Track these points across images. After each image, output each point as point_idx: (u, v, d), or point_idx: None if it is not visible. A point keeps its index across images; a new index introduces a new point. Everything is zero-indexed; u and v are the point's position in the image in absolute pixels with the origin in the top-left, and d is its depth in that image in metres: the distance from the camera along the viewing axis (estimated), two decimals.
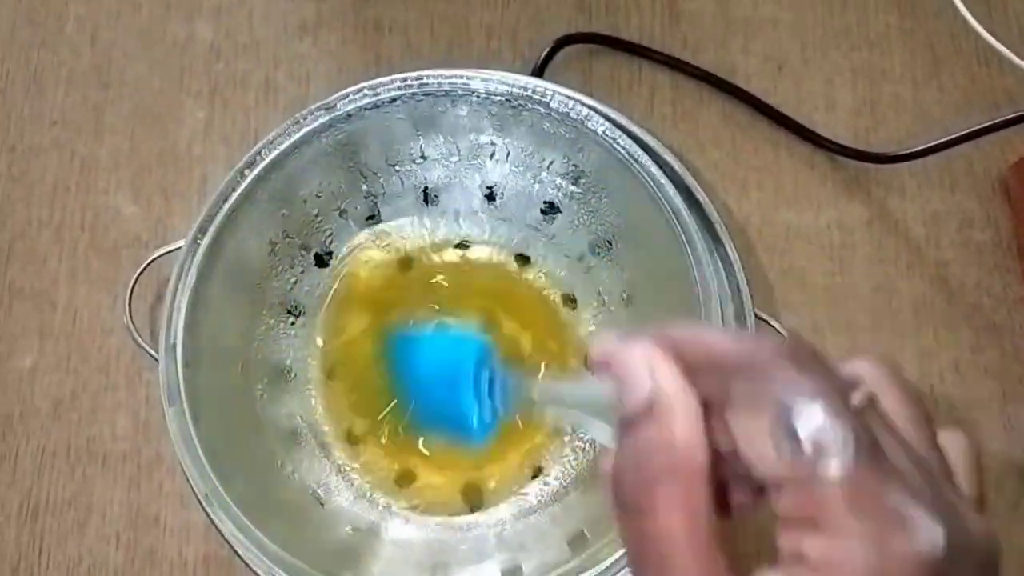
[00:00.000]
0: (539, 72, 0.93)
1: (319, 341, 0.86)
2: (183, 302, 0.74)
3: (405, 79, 0.77)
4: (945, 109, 0.96)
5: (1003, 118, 0.86)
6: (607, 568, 0.69)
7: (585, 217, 0.84)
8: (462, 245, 0.88)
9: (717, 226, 0.76)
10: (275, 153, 0.76)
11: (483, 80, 0.77)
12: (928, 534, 0.36)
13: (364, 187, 0.85)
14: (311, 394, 0.85)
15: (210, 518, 0.70)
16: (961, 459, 0.40)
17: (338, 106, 0.77)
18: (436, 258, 0.88)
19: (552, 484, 0.82)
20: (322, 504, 0.80)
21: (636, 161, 0.74)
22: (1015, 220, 0.92)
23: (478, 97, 0.77)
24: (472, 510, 0.82)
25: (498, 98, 0.77)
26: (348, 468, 0.83)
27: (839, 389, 0.38)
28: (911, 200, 0.93)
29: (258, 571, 0.70)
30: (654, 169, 0.74)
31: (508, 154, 0.83)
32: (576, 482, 0.81)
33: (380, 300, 0.87)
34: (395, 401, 0.79)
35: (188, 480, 0.71)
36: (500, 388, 0.59)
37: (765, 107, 0.94)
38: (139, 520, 0.86)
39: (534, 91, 0.76)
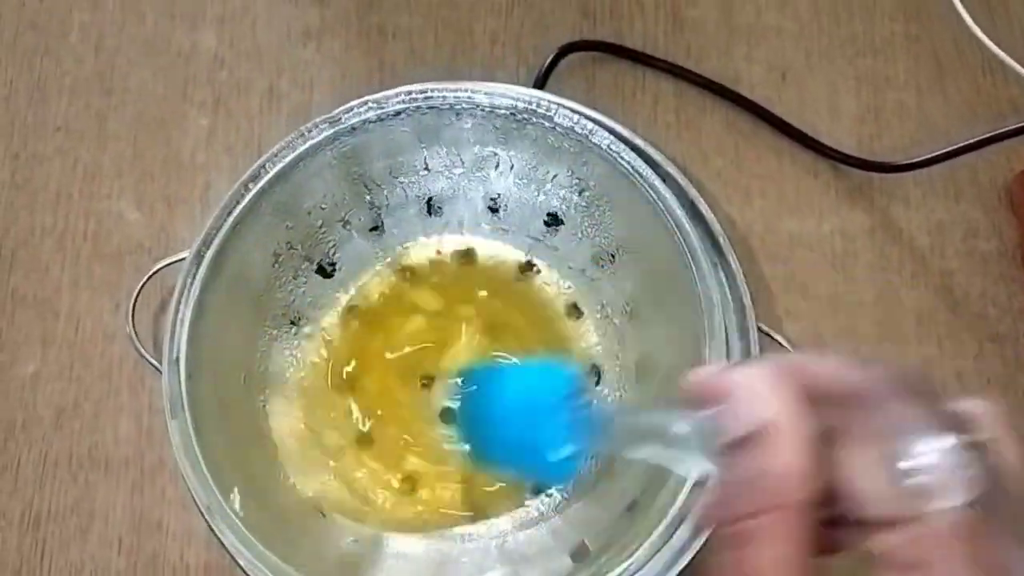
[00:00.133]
0: (543, 79, 0.92)
1: (323, 352, 0.86)
2: (186, 315, 0.74)
3: (410, 92, 0.77)
4: (950, 118, 0.95)
5: (1008, 128, 0.86)
6: None
7: (589, 229, 0.84)
8: (466, 256, 0.88)
9: (720, 239, 0.76)
10: (279, 166, 0.76)
11: (487, 94, 0.77)
12: None
13: (368, 198, 0.85)
14: (313, 406, 0.85)
15: (212, 529, 0.70)
16: None
17: (343, 119, 0.77)
18: (438, 269, 0.88)
19: (554, 495, 0.82)
20: (324, 515, 0.80)
21: (640, 175, 0.74)
22: (1020, 230, 0.92)
23: (482, 111, 0.77)
24: (474, 521, 0.82)
25: (502, 112, 0.77)
26: (350, 480, 0.83)
27: (955, 425, 0.37)
28: (915, 209, 0.93)
29: None
30: (657, 183, 0.74)
31: (512, 166, 0.83)
32: (578, 494, 0.81)
33: (382, 311, 0.87)
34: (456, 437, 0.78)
35: (190, 491, 0.71)
36: (585, 422, 0.57)
37: (768, 115, 0.94)
38: (141, 525, 0.86)
39: (538, 105, 0.76)
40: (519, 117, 0.77)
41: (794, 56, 0.97)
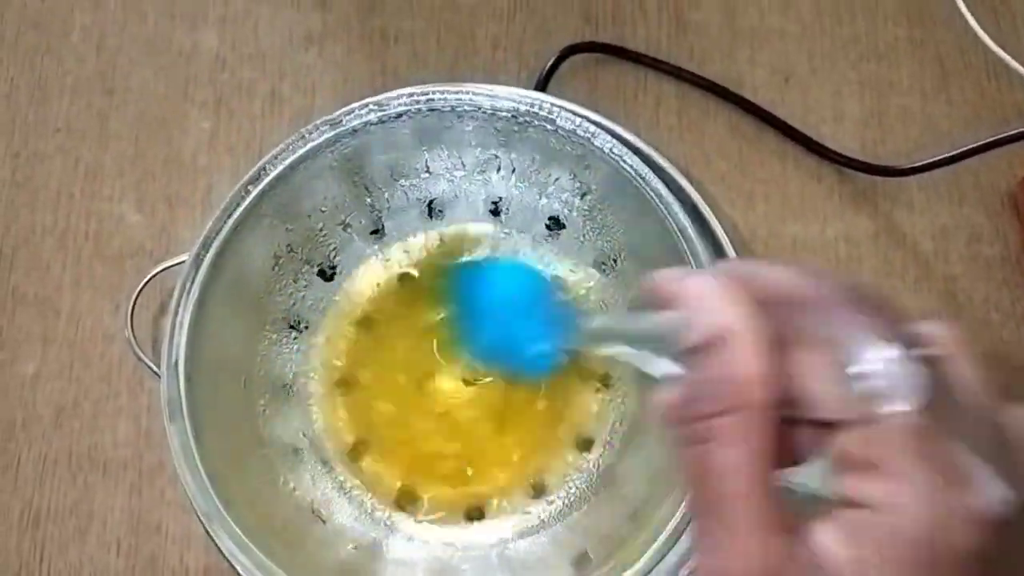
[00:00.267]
0: (544, 81, 0.92)
1: (323, 356, 0.86)
2: (185, 318, 0.73)
3: (411, 95, 0.77)
4: (954, 122, 0.95)
5: (1012, 132, 0.85)
6: None
7: (591, 233, 0.84)
8: (466, 260, 0.88)
9: (723, 243, 0.76)
10: (280, 168, 0.76)
11: (489, 96, 0.77)
12: (994, 493, 0.36)
13: (368, 201, 0.84)
14: (313, 410, 0.85)
15: (210, 535, 0.70)
16: None
17: (343, 121, 0.77)
18: (439, 272, 0.87)
19: (556, 503, 0.82)
20: (324, 521, 0.80)
21: (642, 179, 0.74)
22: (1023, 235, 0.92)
23: (484, 113, 0.77)
24: (474, 527, 0.82)
25: (504, 114, 0.77)
26: (350, 485, 0.83)
27: (909, 334, 0.38)
28: (919, 214, 0.93)
29: None
30: (660, 187, 0.74)
31: (514, 169, 0.83)
32: (580, 502, 0.81)
33: (383, 315, 0.87)
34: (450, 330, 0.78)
35: (188, 496, 0.70)
36: (559, 320, 0.58)
37: (772, 119, 0.94)
38: (140, 527, 0.86)
39: (540, 108, 0.76)
40: (520, 120, 0.76)
41: (797, 59, 0.97)
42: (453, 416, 0.84)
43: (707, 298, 0.40)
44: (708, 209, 0.76)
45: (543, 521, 0.81)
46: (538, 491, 0.82)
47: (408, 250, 0.88)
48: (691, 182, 0.77)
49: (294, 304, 0.84)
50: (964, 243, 0.92)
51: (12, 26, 0.98)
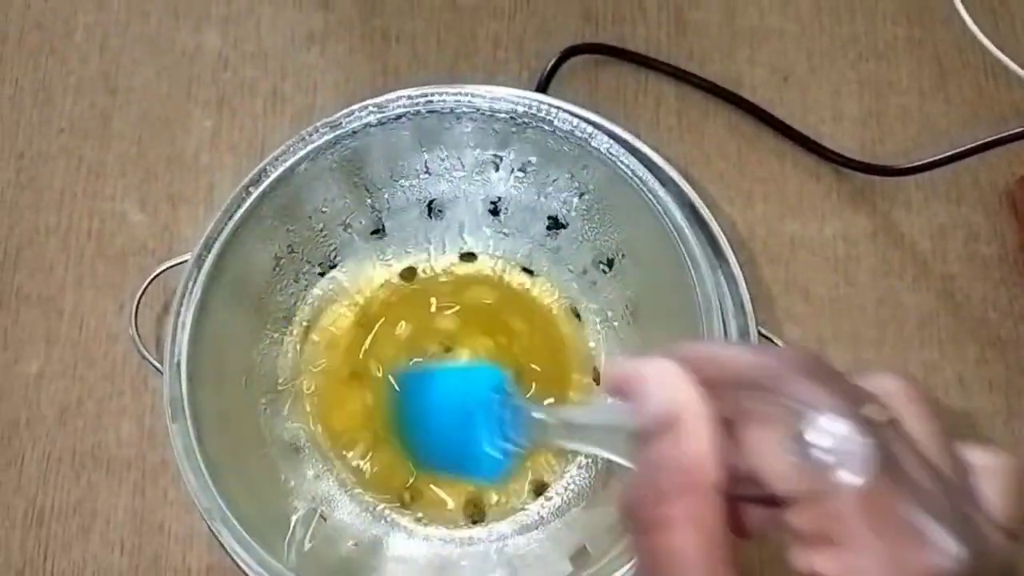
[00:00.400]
0: (545, 83, 0.93)
1: (325, 356, 0.86)
2: (188, 318, 0.74)
3: (411, 96, 0.77)
4: (952, 122, 0.96)
5: (1010, 132, 0.86)
6: None
7: (589, 233, 0.84)
8: (466, 259, 0.88)
9: (720, 241, 0.76)
10: (280, 170, 0.76)
11: (487, 98, 0.77)
12: (945, 550, 0.36)
13: (369, 202, 0.85)
14: (314, 409, 0.85)
15: (213, 532, 0.70)
16: (998, 477, 0.40)
17: (343, 123, 0.77)
18: (440, 271, 0.88)
19: (554, 500, 0.82)
20: (324, 518, 0.80)
21: (640, 179, 0.74)
22: (1021, 234, 0.92)
23: (483, 114, 0.77)
24: (474, 525, 0.82)
25: (502, 115, 0.77)
26: (351, 483, 0.83)
27: (856, 402, 0.38)
28: (917, 213, 0.93)
29: None
30: (658, 187, 0.74)
31: (512, 170, 0.83)
32: (578, 498, 0.82)
33: (383, 315, 0.87)
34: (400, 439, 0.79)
35: (191, 494, 0.71)
36: (513, 420, 0.58)
37: (771, 118, 0.94)
38: (143, 527, 0.86)
39: (538, 109, 0.76)
40: (519, 121, 0.77)
41: (796, 59, 0.97)
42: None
43: (657, 383, 0.41)
44: (706, 209, 0.76)
45: (542, 518, 0.82)
46: (537, 488, 0.83)
47: (409, 250, 0.89)
48: (690, 182, 0.77)
49: (296, 303, 0.85)
50: (962, 242, 0.93)
51: (15, 26, 0.98)
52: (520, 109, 0.76)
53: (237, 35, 0.98)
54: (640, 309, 0.83)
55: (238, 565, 0.70)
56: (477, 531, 0.82)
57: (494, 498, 0.83)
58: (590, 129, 0.76)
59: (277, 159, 0.77)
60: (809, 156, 0.94)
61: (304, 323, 0.86)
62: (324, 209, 0.83)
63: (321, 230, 0.84)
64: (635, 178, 0.74)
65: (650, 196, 0.74)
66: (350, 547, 0.79)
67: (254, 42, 0.98)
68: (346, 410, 0.85)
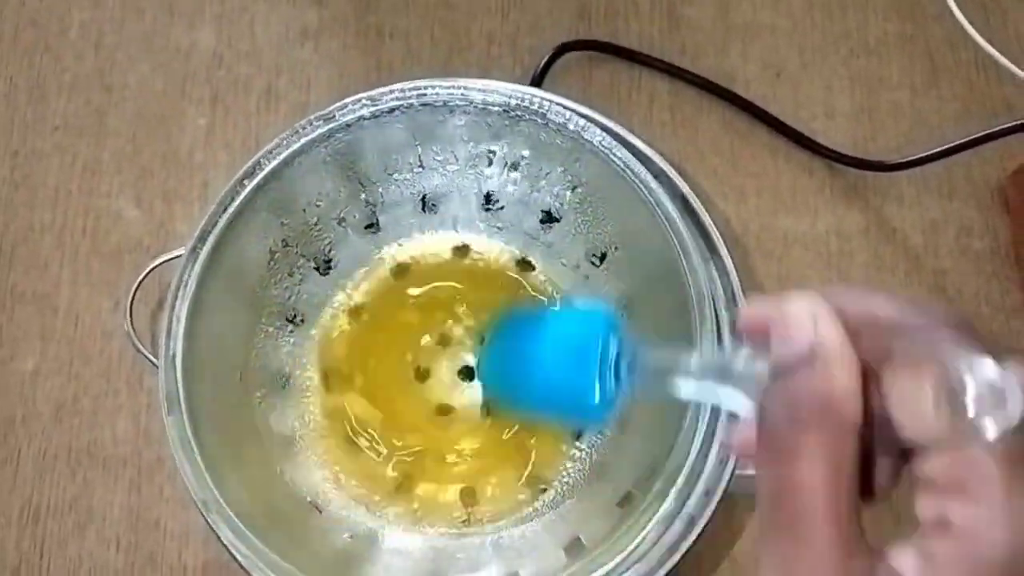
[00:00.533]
0: (539, 79, 0.93)
1: (320, 350, 0.87)
2: (183, 311, 0.74)
3: (403, 90, 0.78)
4: (943, 117, 0.96)
5: (1001, 127, 0.86)
6: (602, 574, 0.70)
7: (582, 226, 0.84)
8: (460, 252, 0.89)
9: (712, 234, 0.76)
10: (274, 163, 0.76)
11: (481, 91, 0.77)
12: None
13: (363, 196, 0.85)
14: (309, 402, 0.85)
15: (209, 525, 0.70)
16: None
17: (337, 116, 0.77)
18: (434, 266, 0.88)
19: (549, 492, 0.82)
20: (320, 511, 0.80)
21: (632, 171, 0.74)
22: (1014, 228, 0.92)
23: (476, 107, 0.77)
24: (468, 517, 0.82)
25: (495, 108, 0.77)
26: (346, 476, 0.83)
27: (1006, 361, 0.37)
28: (909, 208, 0.93)
29: None
30: (650, 179, 0.74)
31: (506, 163, 0.83)
32: (572, 490, 0.82)
33: (379, 309, 0.88)
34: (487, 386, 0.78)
35: (187, 486, 0.71)
36: (629, 363, 0.58)
37: (764, 114, 0.95)
38: (139, 524, 0.86)
39: (531, 102, 0.76)
40: (512, 114, 0.77)
41: (789, 55, 0.98)
42: (448, 407, 0.85)
43: (801, 318, 0.41)
44: (698, 202, 0.77)
45: (536, 510, 0.82)
46: (532, 480, 0.83)
47: (404, 244, 0.89)
48: (684, 177, 0.77)
49: (290, 297, 0.85)
50: (954, 237, 0.93)
51: (10, 24, 0.99)
52: (513, 102, 0.77)
53: (231, 32, 0.98)
54: (633, 303, 0.83)
55: (234, 557, 0.70)
56: (472, 524, 0.82)
57: (488, 491, 0.83)
58: (583, 122, 0.76)
59: (271, 152, 0.77)
60: (802, 152, 0.94)
61: (299, 316, 0.86)
62: (318, 203, 0.83)
63: (315, 224, 0.84)
64: (627, 171, 0.75)
65: (642, 188, 0.74)
66: (345, 539, 0.79)
67: (248, 39, 0.98)
68: (341, 403, 0.85)
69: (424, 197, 0.87)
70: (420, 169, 0.84)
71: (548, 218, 0.86)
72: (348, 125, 0.78)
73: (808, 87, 0.97)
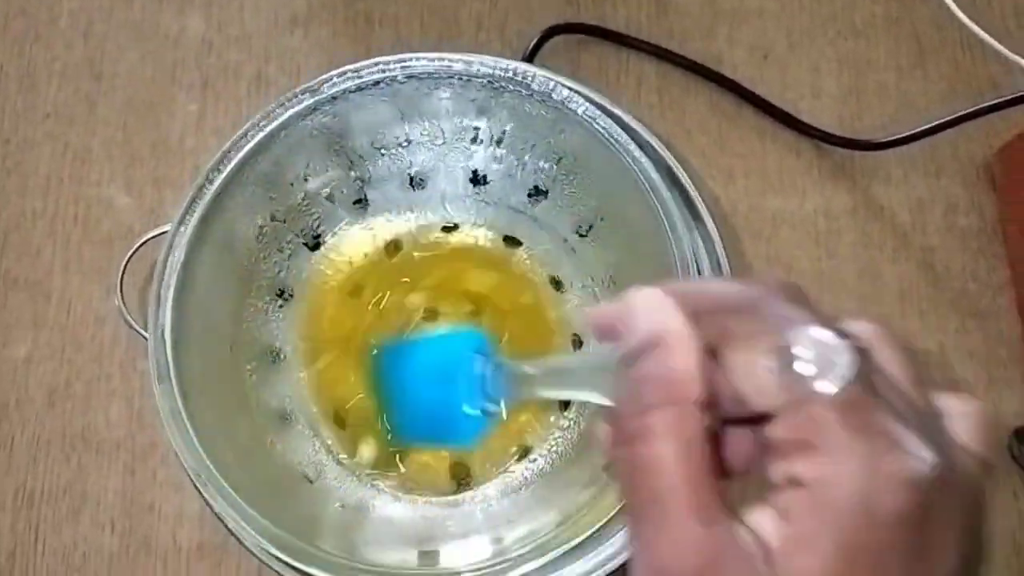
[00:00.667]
0: (527, 62, 0.93)
1: (309, 325, 0.87)
2: (171, 281, 0.75)
3: (388, 61, 0.78)
4: (930, 96, 0.96)
5: (987, 104, 0.86)
6: (590, 537, 0.70)
7: (569, 199, 0.85)
8: (449, 228, 0.89)
9: (697, 203, 0.77)
10: (260, 135, 0.77)
11: (465, 62, 0.78)
12: (918, 456, 0.36)
13: (351, 172, 0.85)
14: (300, 376, 0.86)
15: (200, 492, 0.71)
16: (970, 420, 0.41)
17: (322, 89, 0.78)
18: (423, 241, 0.89)
19: (538, 462, 0.83)
20: (311, 482, 0.81)
21: (615, 140, 0.75)
22: (1000, 205, 0.93)
23: (460, 79, 0.78)
24: (459, 488, 0.83)
25: (480, 80, 0.78)
26: (337, 448, 0.84)
27: (840, 329, 0.39)
28: (896, 186, 0.94)
29: (248, 545, 0.71)
30: (633, 147, 0.75)
31: (492, 136, 0.84)
32: (561, 458, 0.82)
33: (367, 285, 0.88)
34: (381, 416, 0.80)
35: (178, 456, 0.71)
36: (495, 378, 0.59)
37: (751, 95, 0.95)
38: (133, 508, 0.87)
39: (515, 72, 0.77)
40: (496, 85, 0.78)
41: (776, 37, 0.98)
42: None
43: (643, 309, 0.42)
44: (682, 171, 0.77)
45: (526, 479, 0.82)
46: (521, 451, 0.83)
47: (392, 220, 0.89)
48: (673, 154, 0.78)
49: (280, 272, 0.85)
50: (941, 214, 0.93)
51: (0, 14, 0.99)
52: (497, 73, 0.77)
53: (221, 19, 0.99)
54: (619, 274, 0.84)
55: (226, 525, 0.71)
56: (462, 493, 0.83)
57: (478, 462, 0.83)
58: (566, 92, 0.77)
59: (257, 124, 0.78)
60: (789, 132, 0.95)
61: (289, 292, 0.86)
62: (306, 177, 0.84)
63: (303, 199, 0.85)
64: (611, 140, 0.75)
65: (626, 157, 0.75)
66: (337, 508, 0.80)
67: (238, 25, 0.99)
68: (331, 377, 0.86)
69: (412, 173, 0.87)
70: (407, 144, 0.85)
71: (536, 192, 0.86)
72: (334, 98, 0.78)
73: (795, 69, 0.97)
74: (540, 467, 0.82)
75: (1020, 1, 0.98)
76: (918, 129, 0.89)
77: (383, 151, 0.85)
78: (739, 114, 0.96)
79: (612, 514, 0.70)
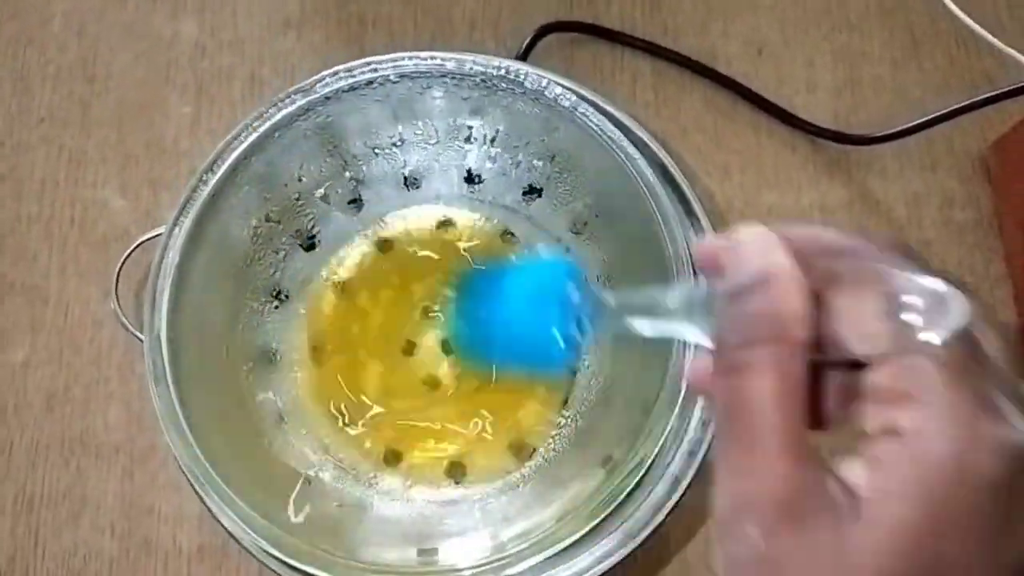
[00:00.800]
0: (521, 61, 0.93)
1: (306, 325, 0.87)
2: (167, 283, 0.74)
3: (380, 61, 0.78)
4: (925, 90, 0.96)
5: (981, 97, 0.86)
6: (587, 534, 0.70)
7: (563, 197, 0.85)
8: (444, 227, 0.89)
9: (690, 198, 0.77)
10: (254, 136, 0.77)
11: (457, 61, 0.78)
12: (1017, 427, 0.37)
13: (346, 172, 0.86)
14: (296, 377, 0.86)
15: (197, 493, 0.71)
16: None
17: (315, 89, 0.78)
18: (418, 241, 0.89)
19: (535, 459, 0.83)
20: (309, 482, 0.81)
21: (608, 136, 0.75)
22: (996, 198, 0.93)
23: (452, 79, 0.78)
24: (457, 486, 0.83)
25: (472, 79, 0.78)
26: (334, 448, 0.84)
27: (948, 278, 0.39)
28: (892, 181, 0.94)
29: (246, 545, 0.71)
30: (627, 144, 0.75)
31: (485, 135, 0.84)
32: (558, 456, 0.83)
33: (364, 284, 0.88)
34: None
35: (175, 457, 0.71)
36: (587, 308, 0.59)
37: (746, 91, 0.95)
38: (133, 511, 0.86)
39: (507, 71, 0.77)
40: (489, 84, 0.78)
41: (770, 31, 0.98)
42: (435, 380, 0.85)
43: (753, 247, 0.42)
44: (675, 166, 0.77)
45: (524, 477, 0.82)
46: (519, 449, 0.83)
47: (387, 220, 0.89)
48: (667, 153, 0.78)
49: (275, 273, 0.86)
50: (937, 208, 0.93)
51: None
52: (489, 71, 0.77)
53: (214, 22, 0.99)
54: (614, 271, 0.84)
55: (223, 525, 0.71)
56: (460, 492, 0.83)
57: (476, 460, 0.83)
58: (559, 90, 0.76)
59: (250, 125, 0.78)
60: (784, 127, 0.95)
61: (284, 293, 0.86)
62: (301, 178, 0.84)
63: (298, 199, 0.85)
64: (603, 136, 0.75)
65: (620, 155, 0.75)
66: (334, 508, 0.80)
67: (231, 29, 0.99)
68: (328, 378, 0.86)
69: (406, 173, 0.87)
70: (401, 144, 0.85)
71: (530, 190, 0.86)
72: (327, 98, 0.78)
73: (790, 64, 0.97)
74: (537, 464, 0.82)
75: None
76: (913, 123, 0.89)
77: (377, 151, 0.85)
78: (734, 110, 0.96)
79: (609, 511, 0.70)
